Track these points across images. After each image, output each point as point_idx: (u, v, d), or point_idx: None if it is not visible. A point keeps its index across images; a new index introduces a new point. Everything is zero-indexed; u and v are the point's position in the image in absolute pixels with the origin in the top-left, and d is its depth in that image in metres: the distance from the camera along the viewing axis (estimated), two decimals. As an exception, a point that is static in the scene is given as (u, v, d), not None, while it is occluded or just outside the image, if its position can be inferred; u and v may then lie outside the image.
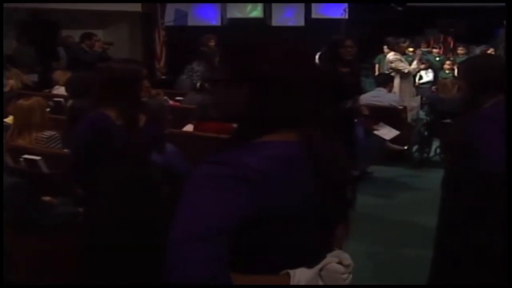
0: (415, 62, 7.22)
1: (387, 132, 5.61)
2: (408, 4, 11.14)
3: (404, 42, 7.58)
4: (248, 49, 1.14)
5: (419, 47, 9.64)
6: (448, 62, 9.09)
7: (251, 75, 1.10)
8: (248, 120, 1.12)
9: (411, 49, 8.46)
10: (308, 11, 11.23)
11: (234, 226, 0.98)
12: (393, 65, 7.04)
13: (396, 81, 6.94)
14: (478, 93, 2.24)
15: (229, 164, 1.02)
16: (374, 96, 6.03)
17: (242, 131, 1.14)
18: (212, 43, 6.90)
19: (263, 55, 1.12)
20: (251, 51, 1.13)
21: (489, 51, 8.58)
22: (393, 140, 5.71)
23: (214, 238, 0.95)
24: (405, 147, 5.93)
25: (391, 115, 5.82)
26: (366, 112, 5.11)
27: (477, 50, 9.45)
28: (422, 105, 7.18)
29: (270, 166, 1.04)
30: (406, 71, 7.08)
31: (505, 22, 8.82)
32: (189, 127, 4.33)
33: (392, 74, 6.93)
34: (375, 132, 5.52)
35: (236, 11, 11.38)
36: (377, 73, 8.88)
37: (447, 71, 8.98)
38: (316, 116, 1.15)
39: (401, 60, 7.13)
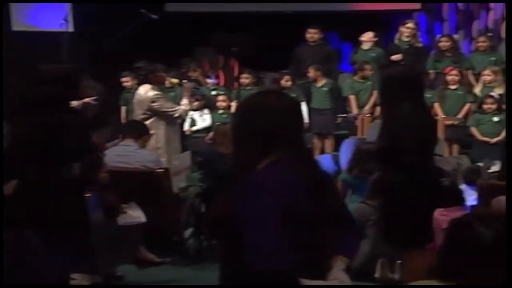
0: (185, 100, 7.49)
1: (139, 216, 5.69)
2: (168, 10, 11.83)
3: (164, 70, 7.76)
4: None
5: (188, 75, 10.19)
6: (221, 97, 9.71)
7: None
8: None
9: (175, 80, 8.83)
10: (6, 20, 10.83)
11: None
12: (156, 105, 7.09)
13: (161, 130, 7.13)
14: (248, 147, 2.45)
15: None
16: (119, 155, 6.12)
17: None
18: None
19: None
20: None
21: (284, 81, 9.54)
22: (153, 222, 5.78)
23: None
24: (168, 259, 6.08)
25: (146, 183, 5.95)
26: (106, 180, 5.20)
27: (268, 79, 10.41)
28: (196, 165, 7.51)
29: None
30: (176, 114, 7.31)
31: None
32: None
33: (152, 120, 7.08)
34: (122, 219, 5.57)
35: None
36: (124, 119, 9.06)
37: (221, 111, 9.57)
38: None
39: (165, 98, 7.39)
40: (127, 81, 9.39)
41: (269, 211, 2.34)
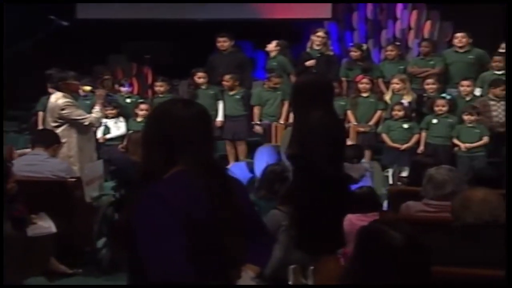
0: (97, 108, 7.45)
1: (49, 226, 5.59)
2: (79, 17, 11.63)
3: (76, 78, 7.66)
4: None
5: (102, 82, 10.07)
6: (143, 106, 9.64)
7: None
8: None
9: (87, 87, 8.70)
10: None
11: None
12: (65, 113, 7.08)
13: (73, 138, 7.10)
14: (154, 156, 2.45)
15: None
16: (28, 164, 6.03)
17: None
18: None
19: None
20: None
21: (197, 77, 9.53)
22: (64, 233, 5.69)
23: None
24: (79, 270, 6.00)
25: (57, 193, 5.84)
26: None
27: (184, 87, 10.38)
28: (110, 174, 7.41)
29: None
30: (86, 122, 7.25)
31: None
32: None
33: (63, 128, 7.05)
34: (31, 230, 5.44)
35: None
36: (41, 126, 8.87)
37: (139, 119, 9.50)
38: None
39: (76, 106, 7.32)
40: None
41: (162, 222, 2.33)
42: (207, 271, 2.39)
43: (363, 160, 7.50)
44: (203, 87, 9.64)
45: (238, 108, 9.60)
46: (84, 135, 7.28)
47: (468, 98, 8.94)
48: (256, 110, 9.60)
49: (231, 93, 9.59)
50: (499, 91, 8.64)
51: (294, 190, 4.75)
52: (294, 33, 11.38)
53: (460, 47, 9.44)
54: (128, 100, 10.10)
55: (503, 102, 8.66)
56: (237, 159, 9.47)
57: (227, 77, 9.53)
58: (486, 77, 9.09)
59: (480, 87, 9.12)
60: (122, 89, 10.26)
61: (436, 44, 10.43)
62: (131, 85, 10.89)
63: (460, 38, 9.42)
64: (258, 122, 9.53)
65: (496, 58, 9.11)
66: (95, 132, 8.30)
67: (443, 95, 9.00)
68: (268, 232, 2.85)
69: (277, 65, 9.86)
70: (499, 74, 8.96)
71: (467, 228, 3.45)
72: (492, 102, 8.73)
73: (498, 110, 8.69)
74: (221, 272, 2.46)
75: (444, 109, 8.73)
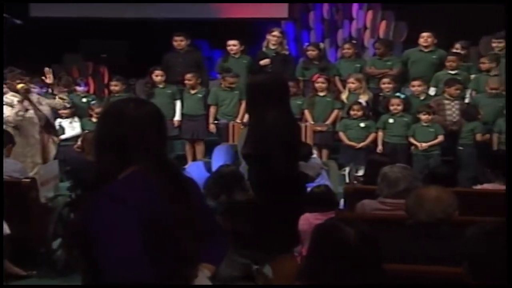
0: (16, 104, 7.57)
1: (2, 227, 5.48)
2: (33, 15, 11.49)
3: (22, 76, 7.69)
4: None
5: (60, 79, 9.95)
6: (96, 110, 9.39)
7: None
8: None
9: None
10: None
11: None
12: None
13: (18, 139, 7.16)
14: (107, 156, 2.44)
15: None
16: (-20, 165, 5.93)
17: None
18: None
19: None
20: None
21: (155, 75, 9.45)
22: (19, 234, 5.63)
23: None
24: (34, 272, 5.95)
25: (11, 194, 5.73)
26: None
27: (141, 86, 10.33)
28: (65, 174, 7.35)
29: None
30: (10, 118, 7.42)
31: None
32: None
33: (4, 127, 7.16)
34: None
35: None
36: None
37: (94, 120, 9.34)
38: None
39: (7, 104, 7.46)
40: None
41: (118, 223, 2.32)
42: (165, 271, 2.39)
43: (313, 156, 7.48)
44: (160, 86, 9.59)
45: (198, 108, 9.56)
46: (21, 135, 7.48)
47: (422, 97, 9.05)
48: (212, 109, 9.56)
49: (193, 92, 9.55)
50: (454, 90, 8.77)
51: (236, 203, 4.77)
52: (251, 33, 11.38)
53: (425, 47, 9.54)
54: (84, 100, 10.01)
55: (457, 101, 8.81)
56: (195, 158, 9.44)
57: (188, 75, 9.48)
58: (439, 77, 9.22)
59: (435, 87, 9.24)
60: (78, 88, 10.13)
61: (391, 44, 10.53)
62: (87, 84, 10.78)
63: (426, 38, 9.50)
64: (214, 122, 9.50)
65: (450, 58, 9.24)
66: (48, 132, 8.19)
67: (397, 94, 9.09)
68: (222, 231, 2.85)
69: (247, 63, 9.85)
70: (453, 74, 9.11)
71: (421, 225, 3.50)
72: (446, 101, 8.84)
73: (452, 109, 8.81)
74: (179, 272, 2.46)
75: (399, 108, 8.81)
